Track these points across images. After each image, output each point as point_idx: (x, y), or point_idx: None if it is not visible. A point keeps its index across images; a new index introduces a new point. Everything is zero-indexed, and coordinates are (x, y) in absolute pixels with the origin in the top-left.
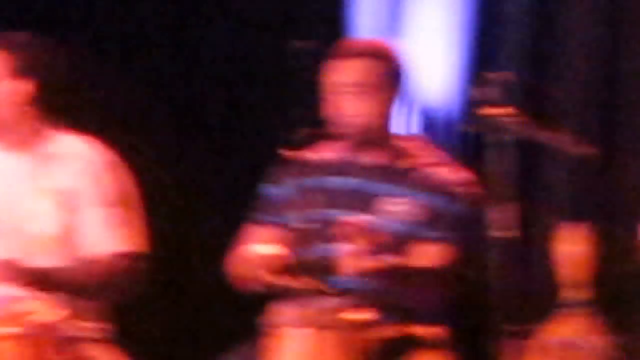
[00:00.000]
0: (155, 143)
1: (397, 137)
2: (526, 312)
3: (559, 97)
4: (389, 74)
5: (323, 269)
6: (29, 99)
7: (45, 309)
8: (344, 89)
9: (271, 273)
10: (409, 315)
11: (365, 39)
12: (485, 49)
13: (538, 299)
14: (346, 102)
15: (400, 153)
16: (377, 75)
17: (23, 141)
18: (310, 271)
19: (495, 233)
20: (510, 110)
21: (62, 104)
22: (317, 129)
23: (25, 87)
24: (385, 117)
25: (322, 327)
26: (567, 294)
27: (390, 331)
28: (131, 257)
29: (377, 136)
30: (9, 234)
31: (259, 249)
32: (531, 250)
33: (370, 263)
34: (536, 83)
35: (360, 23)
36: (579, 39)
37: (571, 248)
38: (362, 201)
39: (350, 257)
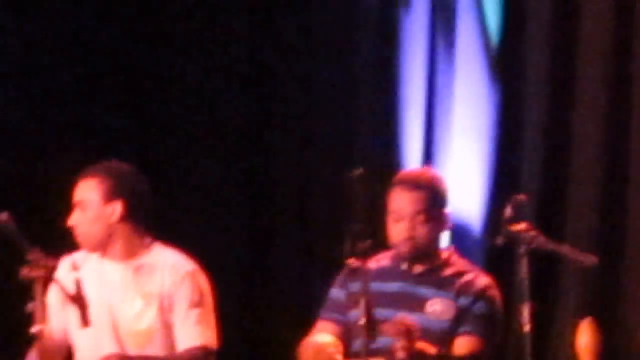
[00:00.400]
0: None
1: (439, 249)
2: None
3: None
4: (436, 202)
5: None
6: (120, 217)
7: None
8: (401, 217)
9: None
10: None
11: (417, 169)
12: (507, 173)
13: None
14: (402, 227)
15: (441, 263)
16: (428, 205)
17: (122, 252)
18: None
19: (518, 327)
20: (528, 225)
21: (150, 218)
22: (375, 241)
23: (115, 209)
24: (433, 237)
25: None
26: None
27: None
28: (207, 351)
29: (425, 252)
30: (111, 331)
31: (318, 338)
32: (547, 343)
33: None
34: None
35: (408, 151)
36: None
37: (588, 340)
38: (410, 302)
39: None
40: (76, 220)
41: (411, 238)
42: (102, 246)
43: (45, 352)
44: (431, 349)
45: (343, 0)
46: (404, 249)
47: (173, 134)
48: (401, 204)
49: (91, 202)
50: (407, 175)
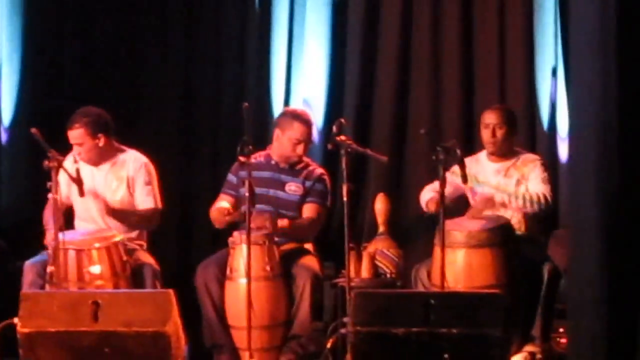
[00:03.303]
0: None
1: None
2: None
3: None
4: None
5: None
6: (104, 142)
7: (116, 233)
8: (300, 142)
9: (227, 216)
10: (301, 239)
11: (300, 109)
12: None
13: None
14: (300, 147)
15: (296, 161)
16: (311, 136)
17: (103, 158)
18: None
19: (341, 199)
20: (346, 137)
21: (116, 135)
22: (256, 148)
23: (100, 140)
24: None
25: (257, 243)
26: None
27: (291, 245)
28: (156, 210)
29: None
30: (97, 203)
31: (221, 204)
32: (358, 209)
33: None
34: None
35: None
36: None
37: (382, 206)
38: (276, 184)
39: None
40: (78, 151)
41: (302, 155)
42: (96, 160)
43: (56, 209)
44: (284, 222)
45: None
46: (294, 159)
47: None
48: (303, 135)
49: (84, 141)
50: (302, 114)
